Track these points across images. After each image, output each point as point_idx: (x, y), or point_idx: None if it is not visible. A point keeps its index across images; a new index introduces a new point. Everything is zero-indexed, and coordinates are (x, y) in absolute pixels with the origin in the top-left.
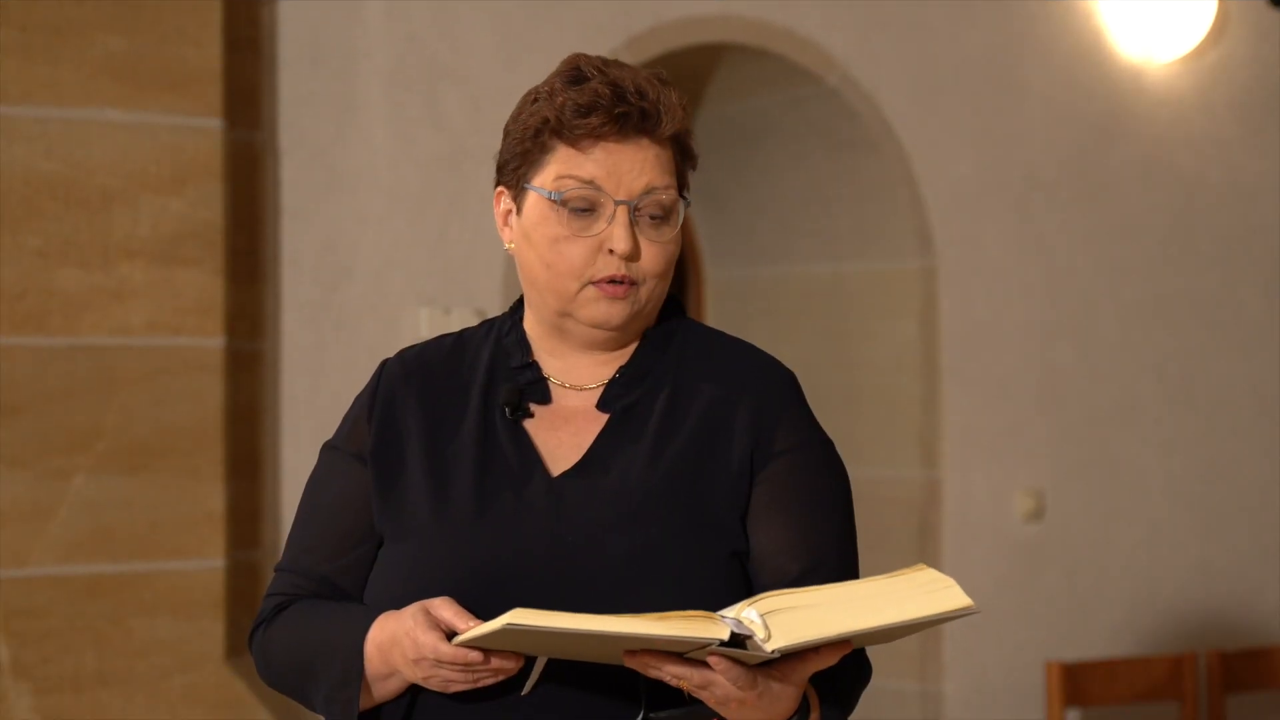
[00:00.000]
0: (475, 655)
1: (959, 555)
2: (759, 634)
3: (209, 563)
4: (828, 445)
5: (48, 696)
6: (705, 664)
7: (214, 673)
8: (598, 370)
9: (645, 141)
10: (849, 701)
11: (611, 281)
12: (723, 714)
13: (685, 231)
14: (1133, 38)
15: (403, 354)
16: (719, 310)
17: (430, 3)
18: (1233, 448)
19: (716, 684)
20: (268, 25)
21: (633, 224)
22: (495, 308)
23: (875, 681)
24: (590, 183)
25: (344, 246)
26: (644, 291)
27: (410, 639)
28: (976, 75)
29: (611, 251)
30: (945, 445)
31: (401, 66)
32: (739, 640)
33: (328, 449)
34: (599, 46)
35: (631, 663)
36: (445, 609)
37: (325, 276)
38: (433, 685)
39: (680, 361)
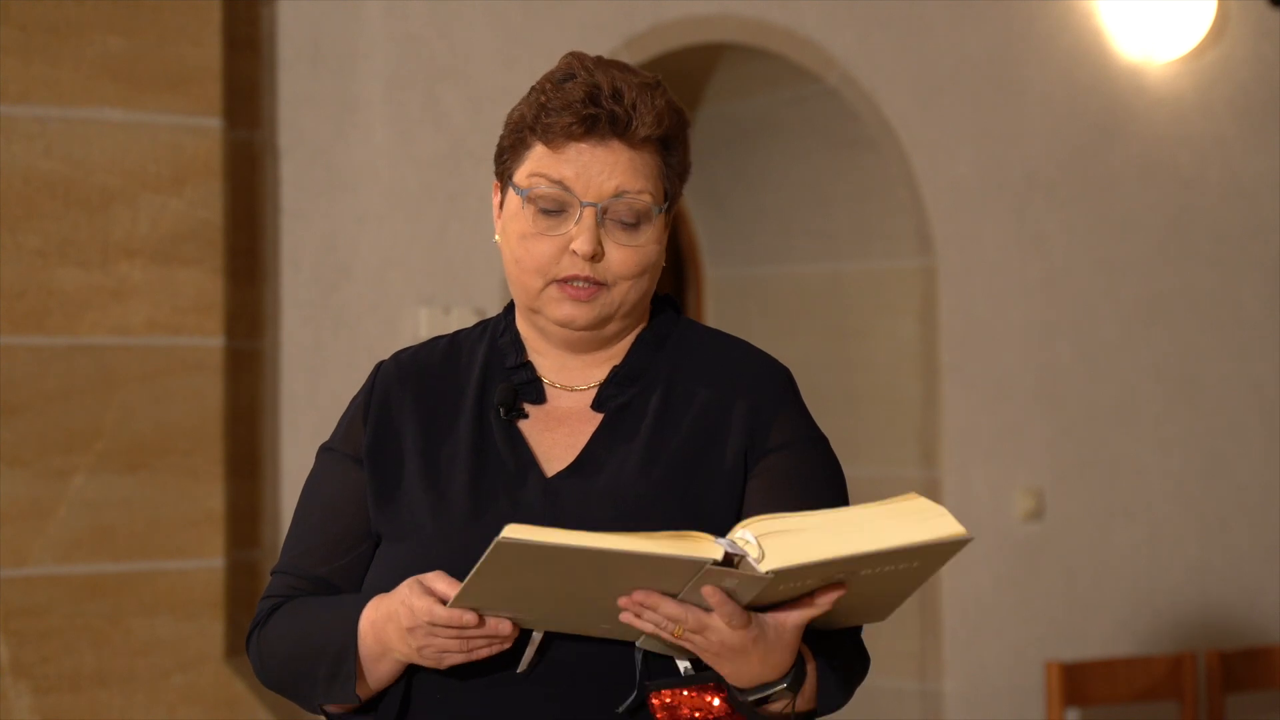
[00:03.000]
0: (471, 617)
1: (959, 554)
2: (753, 553)
3: (208, 562)
4: (823, 442)
5: (47, 696)
6: (701, 608)
7: (213, 672)
8: (591, 370)
9: (618, 144)
10: (848, 678)
11: (574, 282)
12: (720, 669)
13: (685, 231)
14: (1132, 38)
15: (397, 356)
16: (719, 310)
17: (430, 3)
18: (1233, 447)
19: (712, 628)
20: (267, 25)
21: (599, 226)
22: (495, 307)
23: (875, 681)
24: (559, 183)
25: (344, 246)
26: (615, 294)
27: (405, 607)
28: (976, 75)
29: (575, 252)
30: (944, 444)
31: (401, 66)
32: (732, 564)
33: (324, 451)
34: (599, 46)
35: (627, 607)
36: (439, 580)
37: (325, 276)
38: (428, 658)
39: (674, 361)
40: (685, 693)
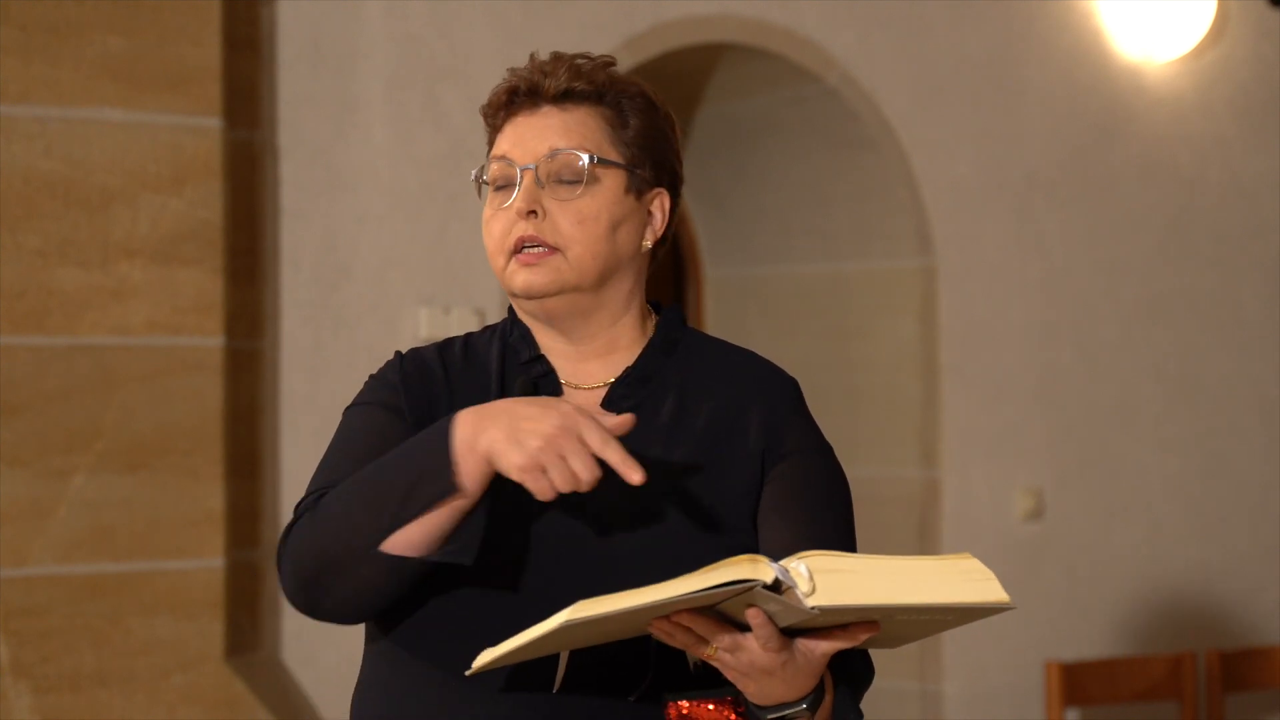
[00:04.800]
0: (624, 416)
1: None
2: (803, 586)
3: (208, 562)
4: (829, 452)
5: (47, 696)
6: (735, 628)
7: (213, 672)
8: (597, 370)
9: (548, 109)
10: (857, 694)
11: (524, 247)
12: (743, 687)
13: (685, 231)
14: (1132, 38)
15: (418, 350)
16: (718, 310)
17: (430, 2)
18: (1232, 447)
19: (745, 648)
20: (267, 25)
21: (538, 186)
22: (495, 307)
23: (875, 681)
24: (502, 157)
25: (344, 246)
26: (570, 258)
27: (566, 403)
28: (976, 75)
29: (516, 215)
30: (945, 444)
31: (401, 66)
32: (779, 591)
33: (356, 407)
34: (599, 46)
35: (661, 627)
36: (608, 417)
37: (325, 276)
38: (533, 451)
39: (684, 367)
40: (705, 706)
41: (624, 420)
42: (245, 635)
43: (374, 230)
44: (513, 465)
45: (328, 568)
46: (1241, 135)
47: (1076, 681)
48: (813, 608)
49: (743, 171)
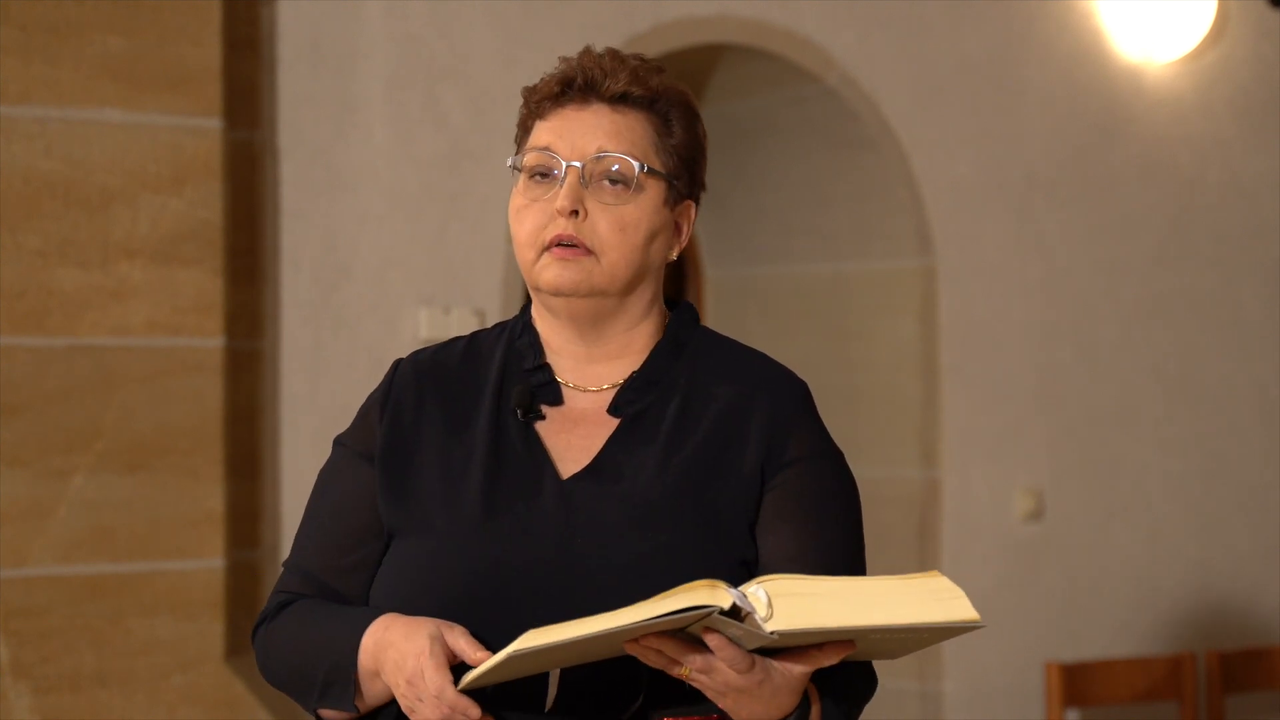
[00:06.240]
0: (475, 712)
1: (958, 555)
2: (761, 611)
3: (208, 563)
4: (839, 458)
5: (47, 696)
6: (708, 649)
7: (213, 672)
8: (607, 371)
9: (600, 107)
10: (853, 707)
11: (559, 244)
12: (724, 705)
13: None
14: (1132, 38)
15: (415, 356)
16: (719, 310)
17: (430, 2)
18: (1233, 448)
19: (716, 668)
20: (267, 25)
21: (583, 186)
22: (495, 307)
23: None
24: (545, 148)
25: (344, 246)
26: (604, 263)
27: (417, 665)
28: (976, 75)
29: (558, 211)
30: (945, 445)
31: (401, 66)
32: (740, 616)
33: (338, 444)
34: (599, 46)
35: (633, 650)
36: (462, 639)
37: (325, 276)
38: (404, 705)
39: (693, 369)
40: None
41: (466, 649)
42: (245, 635)
43: (374, 230)
44: (401, 705)
45: (288, 694)
46: (1241, 135)
47: (1076, 681)
48: (771, 632)
49: (743, 171)
